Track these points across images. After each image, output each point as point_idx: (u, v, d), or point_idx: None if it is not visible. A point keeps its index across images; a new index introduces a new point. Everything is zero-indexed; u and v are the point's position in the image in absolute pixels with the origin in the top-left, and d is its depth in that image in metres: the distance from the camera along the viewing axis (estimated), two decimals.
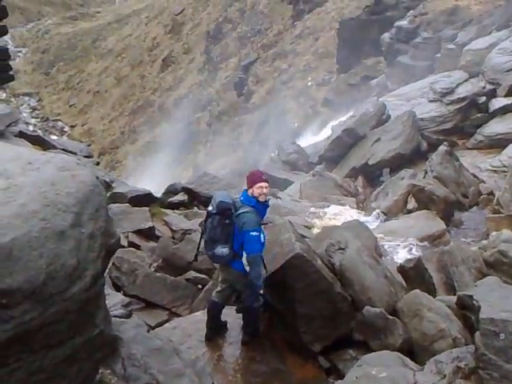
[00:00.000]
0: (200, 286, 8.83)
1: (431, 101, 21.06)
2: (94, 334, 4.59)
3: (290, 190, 18.88)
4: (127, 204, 12.57)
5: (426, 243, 11.62)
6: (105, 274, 5.02)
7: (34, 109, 76.45)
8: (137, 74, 75.89)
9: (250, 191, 6.27)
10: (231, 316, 7.03)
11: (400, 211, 14.11)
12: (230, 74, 63.41)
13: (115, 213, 11.29)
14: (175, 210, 13.56)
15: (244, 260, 6.15)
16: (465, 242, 11.67)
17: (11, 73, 14.97)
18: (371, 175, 18.93)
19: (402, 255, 10.76)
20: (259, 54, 62.20)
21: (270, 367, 6.52)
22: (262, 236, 6.13)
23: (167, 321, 8.05)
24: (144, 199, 13.36)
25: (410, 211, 13.78)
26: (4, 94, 73.19)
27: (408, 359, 6.02)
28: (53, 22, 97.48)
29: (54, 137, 56.65)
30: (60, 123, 73.68)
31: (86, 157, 15.84)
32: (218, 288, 6.72)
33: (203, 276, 9.01)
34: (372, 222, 13.67)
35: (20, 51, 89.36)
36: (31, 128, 60.43)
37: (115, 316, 5.77)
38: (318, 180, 18.26)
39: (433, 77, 24.58)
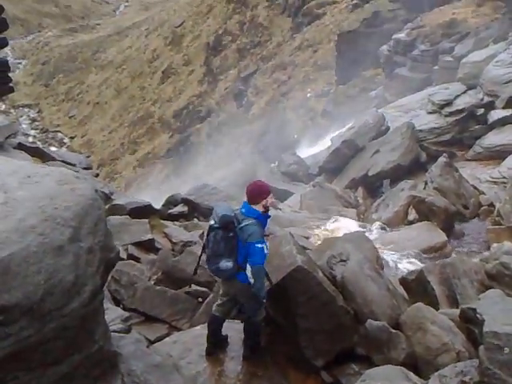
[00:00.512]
0: (200, 299, 8.75)
1: (430, 112, 21.05)
2: (92, 350, 4.53)
3: (290, 201, 18.83)
4: (127, 216, 12.50)
5: (427, 255, 11.56)
6: (104, 288, 4.96)
7: (33, 120, 76.58)
8: (137, 85, 76.11)
9: (263, 202, 6.19)
10: (232, 330, 6.95)
11: (401, 222, 14.06)
12: (230, 85, 63.60)
13: (114, 225, 11.21)
14: (175, 222, 13.49)
15: (248, 272, 6.07)
16: (466, 254, 11.61)
17: (11, 84, 14.95)
18: (371, 186, 18.89)
19: (403, 267, 10.69)
20: (259, 65, 62.43)
21: (272, 382, 6.43)
22: (265, 247, 6.09)
23: (167, 335, 7.97)
24: (143, 211, 13.29)
25: (410, 222, 13.73)
26: (3, 106, 73.35)
27: (412, 373, 5.95)
28: (53, 34, 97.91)
29: (53, 148, 56.70)
30: (60, 134, 73.78)
31: (85, 168, 15.79)
32: (219, 301, 6.63)
33: (203, 289, 8.93)
34: (373, 233, 13.59)
35: (20, 63, 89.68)
36: (31, 139, 60.51)
37: (114, 331, 5.70)
38: (318, 191, 18.20)
39: (431, 89, 24.63)
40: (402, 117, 22.39)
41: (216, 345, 6.70)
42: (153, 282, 9.44)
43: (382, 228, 13.90)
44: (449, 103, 20.65)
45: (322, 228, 14.00)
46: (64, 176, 4.71)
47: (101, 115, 74.61)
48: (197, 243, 10.70)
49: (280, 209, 16.56)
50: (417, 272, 8.54)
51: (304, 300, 6.68)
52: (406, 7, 44.23)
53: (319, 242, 11.32)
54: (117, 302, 8.93)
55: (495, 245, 9.76)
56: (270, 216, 6.43)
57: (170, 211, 14.34)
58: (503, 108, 19.37)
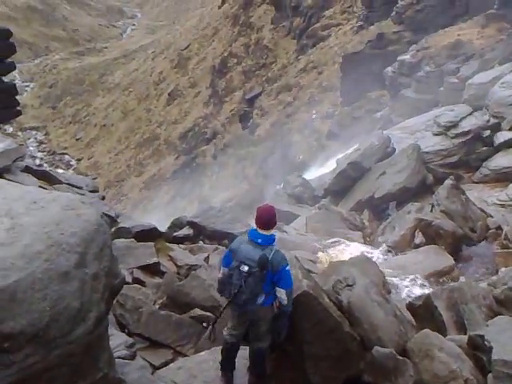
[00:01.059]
0: (205, 324, 8.68)
1: (436, 134, 21.04)
2: (97, 377, 4.49)
3: (295, 224, 18.74)
4: (132, 239, 12.46)
5: (434, 279, 11.47)
6: (109, 313, 4.93)
7: (40, 142, 77.12)
8: (143, 107, 76.69)
9: (275, 227, 6.21)
10: (238, 356, 6.87)
11: (407, 246, 13.95)
12: (235, 107, 63.98)
13: (120, 248, 11.18)
14: (180, 245, 13.44)
15: (282, 294, 6.07)
16: (474, 278, 11.51)
17: (19, 108, 15.06)
18: (377, 209, 18.81)
19: (410, 292, 10.60)
20: (264, 87, 62.82)
21: None
22: None
23: (172, 360, 7.89)
24: (149, 234, 13.25)
25: (417, 246, 13.62)
26: (11, 128, 73.86)
27: None
28: (60, 57, 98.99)
29: (60, 170, 57.05)
30: (67, 156, 74.25)
31: (91, 191, 15.78)
32: (233, 332, 6.45)
33: (208, 314, 8.87)
34: (379, 256, 13.51)
35: (28, 85, 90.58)
36: (38, 162, 60.91)
37: (119, 357, 5.65)
38: (324, 213, 18.14)
39: (437, 110, 24.64)
40: (408, 138, 22.37)
41: (231, 370, 6.61)
42: (158, 307, 9.37)
43: (389, 251, 13.81)
44: (455, 125, 20.64)
45: (328, 251, 13.92)
46: (70, 201, 4.71)
47: (107, 137, 75.11)
48: (202, 266, 10.64)
49: (285, 231, 16.51)
50: (424, 297, 8.46)
51: (310, 326, 6.62)
52: (411, 29, 44.55)
53: (325, 266, 11.26)
54: (122, 327, 8.87)
55: (503, 269, 9.70)
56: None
57: (175, 234, 14.28)
58: (509, 130, 19.38)
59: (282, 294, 6.07)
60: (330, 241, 15.01)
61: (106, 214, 12.76)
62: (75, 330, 4.14)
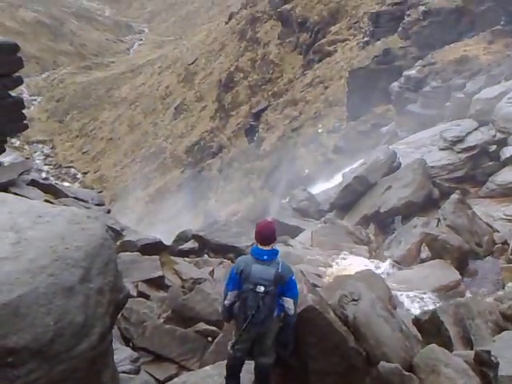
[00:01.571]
0: (210, 339, 8.64)
1: (442, 149, 21.01)
2: None
3: (301, 238, 18.70)
4: (137, 252, 12.48)
5: (440, 294, 11.40)
6: (113, 327, 4.92)
7: (47, 156, 77.46)
8: (149, 121, 77.04)
9: (275, 243, 6.17)
10: (242, 370, 6.83)
11: (413, 260, 13.89)
12: (241, 121, 64.18)
13: (125, 262, 11.20)
14: (185, 258, 13.45)
15: (290, 304, 6.08)
16: (480, 293, 11.44)
17: (26, 122, 15.11)
18: (383, 223, 18.75)
19: (416, 307, 10.55)
20: (270, 101, 63.01)
21: None
22: None
23: (176, 375, 7.85)
24: (154, 247, 13.27)
25: (423, 260, 13.56)
26: (18, 142, 74.25)
27: None
28: (68, 72, 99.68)
29: (66, 183, 57.24)
30: (73, 170, 74.52)
31: (97, 205, 15.83)
32: (238, 346, 6.33)
33: (213, 328, 8.84)
34: (385, 271, 13.46)
35: (35, 99, 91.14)
36: (44, 175, 61.08)
37: (123, 372, 5.64)
38: (330, 227, 18.10)
39: (443, 125, 24.64)
40: (414, 153, 22.36)
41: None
42: (162, 321, 9.35)
43: (395, 266, 13.76)
44: (461, 140, 20.62)
45: (334, 265, 13.88)
46: (75, 216, 4.72)
47: (113, 151, 75.40)
48: (207, 280, 10.63)
49: (291, 245, 16.48)
50: (430, 312, 8.40)
51: (314, 341, 6.58)
52: (417, 44, 44.66)
53: (330, 280, 11.22)
54: (126, 341, 8.85)
55: (510, 284, 9.65)
56: None
57: (180, 247, 14.32)
58: None
59: (289, 303, 6.07)
60: (335, 255, 14.97)
61: (111, 228, 12.78)
62: (79, 345, 4.14)
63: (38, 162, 73.20)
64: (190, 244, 14.50)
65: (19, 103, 14.41)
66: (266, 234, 6.14)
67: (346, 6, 65.34)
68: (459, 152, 20.24)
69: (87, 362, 4.20)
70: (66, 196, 14.90)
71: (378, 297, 7.74)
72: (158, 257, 12.40)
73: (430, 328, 8.22)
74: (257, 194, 49.31)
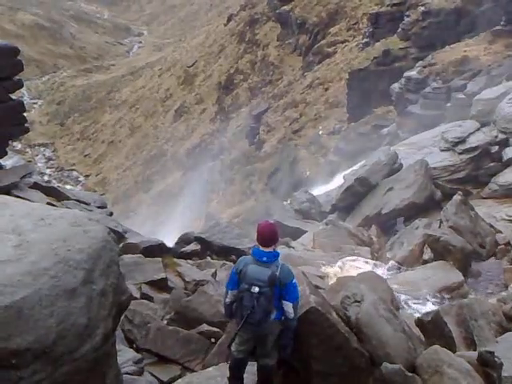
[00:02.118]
0: (213, 340, 8.64)
1: (443, 150, 21.00)
2: None
3: (302, 239, 18.71)
4: (140, 255, 12.48)
5: (443, 295, 11.38)
6: (117, 328, 4.91)
7: (49, 159, 77.57)
8: (150, 124, 77.12)
9: (276, 244, 6.17)
10: (245, 372, 6.82)
11: (416, 261, 13.87)
12: (242, 123, 64.22)
13: (128, 264, 11.20)
14: (188, 260, 13.45)
15: (289, 308, 6.06)
16: (483, 294, 11.43)
17: (26, 125, 15.13)
18: (385, 224, 18.75)
19: (419, 308, 10.53)
20: (270, 103, 63.07)
21: None
22: None
23: (180, 376, 7.85)
24: (157, 249, 13.27)
25: (425, 261, 13.53)
26: (19, 145, 74.35)
27: None
28: (68, 75, 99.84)
29: (68, 186, 57.30)
30: (75, 173, 74.64)
31: (99, 207, 15.84)
32: (241, 347, 6.35)
33: (216, 329, 8.83)
34: (387, 272, 13.45)
35: (36, 102, 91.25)
36: (46, 178, 61.21)
37: (127, 373, 5.63)
38: (331, 229, 18.10)
39: (444, 126, 24.64)
40: (415, 154, 22.36)
41: None
42: (165, 322, 9.35)
43: (397, 267, 13.75)
44: (462, 140, 20.60)
45: (336, 267, 13.87)
46: (77, 218, 4.72)
47: (115, 154, 75.48)
48: (209, 282, 10.62)
49: (292, 247, 16.47)
50: (433, 313, 8.37)
51: (317, 342, 6.56)
52: (417, 45, 44.73)
53: (333, 282, 11.20)
54: (130, 342, 8.85)
55: None
56: None
57: (182, 249, 14.30)
58: None
59: (288, 307, 6.05)
60: (337, 256, 14.96)
61: (113, 230, 12.77)
62: (82, 346, 4.13)
63: (40, 165, 73.34)
64: (193, 246, 14.49)
65: (20, 106, 14.43)
66: (267, 236, 6.14)
67: (345, 7, 65.44)
68: (461, 153, 20.23)
69: (90, 363, 4.19)
70: (68, 199, 14.90)
71: (381, 298, 7.73)
72: (160, 259, 12.40)
73: (432, 329, 8.20)
74: (258, 196, 49.36)
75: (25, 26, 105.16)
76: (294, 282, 6.09)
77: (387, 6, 53.26)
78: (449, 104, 31.59)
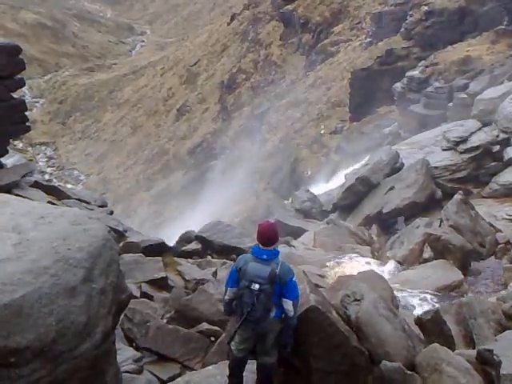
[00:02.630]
0: (213, 339, 8.67)
1: (444, 149, 21.01)
2: None
3: (303, 238, 18.72)
4: (140, 253, 12.51)
5: (443, 294, 11.41)
6: (116, 327, 4.93)
7: (50, 158, 77.58)
8: (152, 123, 77.08)
9: (276, 244, 6.19)
10: (245, 370, 6.84)
11: (416, 260, 13.90)
12: (244, 122, 64.19)
13: (128, 262, 11.23)
14: (188, 259, 13.47)
15: (289, 306, 6.08)
16: (483, 293, 11.45)
17: (28, 124, 15.17)
18: (385, 223, 18.77)
19: (419, 306, 10.55)
20: (272, 103, 63.04)
21: None
22: None
23: (179, 375, 7.88)
24: (157, 248, 13.30)
25: (426, 260, 13.56)
26: (21, 144, 74.38)
27: None
28: (70, 74, 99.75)
29: (69, 185, 57.31)
30: (76, 172, 74.63)
31: (100, 206, 15.87)
32: (241, 346, 6.36)
33: (216, 328, 8.86)
34: (388, 271, 13.47)
35: (37, 101, 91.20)
36: (47, 177, 61.23)
37: (126, 372, 5.66)
38: (332, 228, 18.12)
39: (445, 125, 24.64)
40: (417, 153, 22.36)
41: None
42: (165, 321, 9.38)
43: (397, 266, 13.77)
44: (464, 140, 20.60)
45: (336, 266, 13.89)
46: (77, 217, 4.74)
47: (116, 153, 75.47)
48: (209, 281, 10.65)
49: (293, 246, 16.49)
50: (433, 312, 8.39)
51: (317, 340, 6.58)
52: (420, 45, 44.69)
53: (333, 280, 11.22)
54: (130, 341, 8.88)
55: None
56: None
57: (183, 248, 14.33)
58: None
59: (288, 305, 6.07)
60: (338, 255, 14.98)
61: (113, 229, 12.82)
62: (82, 344, 4.16)
63: (41, 163, 73.35)
64: (193, 245, 14.52)
65: (22, 105, 14.46)
66: (268, 236, 6.17)
67: (348, 6, 65.38)
68: (462, 152, 20.23)
69: (90, 361, 4.22)
70: (69, 198, 14.94)
71: (381, 297, 7.75)
72: (161, 258, 12.44)
73: (432, 327, 8.22)
74: (260, 195, 49.36)
75: (27, 25, 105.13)
76: (293, 279, 6.11)
77: (390, 5, 53.26)
78: (451, 104, 31.57)
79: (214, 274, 11.73)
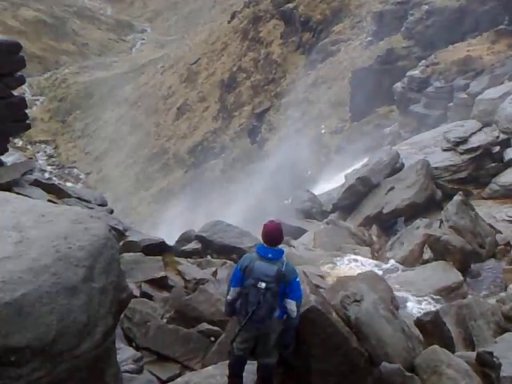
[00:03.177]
0: (213, 339, 8.66)
1: (445, 150, 20.96)
2: None
3: (303, 239, 18.68)
4: (140, 253, 12.48)
5: (443, 295, 11.40)
6: (116, 326, 4.92)
7: (50, 156, 77.54)
8: (152, 121, 77.02)
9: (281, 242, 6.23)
10: (245, 371, 6.83)
11: (416, 261, 13.89)
12: (244, 121, 64.17)
13: (128, 262, 11.21)
14: (188, 259, 13.45)
15: (292, 306, 6.11)
16: (482, 295, 11.44)
17: (28, 122, 15.11)
18: (386, 224, 18.73)
19: (418, 308, 10.54)
20: (273, 102, 63.00)
21: None
22: None
23: (179, 375, 7.88)
24: (157, 248, 13.26)
25: (425, 261, 13.56)
26: (20, 142, 74.32)
27: None
28: (70, 71, 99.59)
29: (69, 184, 57.28)
30: (75, 170, 74.60)
31: (100, 205, 15.82)
32: (241, 346, 6.36)
33: (216, 328, 8.85)
34: (387, 272, 13.46)
35: (37, 99, 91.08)
36: (47, 175, 61.15)
37: (126, 371, 5.65)
38: (332, 229, 18.10)
39: (446, 126, 24.59)
40: (417, 154, 22.30)
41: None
42: (165, 321, 9.37)
43: (397, 267, 13.76)
44: (464, 140, 20.55)
45: (336, 266, 13.88)
46: (78, 215, 4.73)
47: (116, 151, 75.41)
48: (210, 281, 10.64)
49: (293, 246, 16.47)
50: (432, 313, 8.39)
51: (317, 341, 6.59)
52: (420, 44, 44.69)
53: (333, 281, 11.21)
54: (129, 340, 8.86)
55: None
56: None
57: (183, 248, 14.29)
58: None
59: (291, 305, 6.10)
60: (338, 256, 14.97)
61: (114, 228, 12.78)
62: (82, 344, 4.15)
63: (40, 162, 73.29)
64: (193, 245, 14.48)
65: (22, 103, 14.40)
66: (274, 236, 6.21)
67: (349, 5, 65.33)
68: (462, 153, 20.19)
69: (90, 361, 4.21)
70: (69, 196, 14.89)
71: (381, 298, 7.75)
72: (160, 257, 12.41)
73: (432, 329, 8.22)
74: (260, 194, 49.29)
75: (27, 22, 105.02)
76: (298, 279, 6.16)
77: (391, 4, 53.23)
78: (451, 104, 31.57)
79: (214, 273, 11.71)
